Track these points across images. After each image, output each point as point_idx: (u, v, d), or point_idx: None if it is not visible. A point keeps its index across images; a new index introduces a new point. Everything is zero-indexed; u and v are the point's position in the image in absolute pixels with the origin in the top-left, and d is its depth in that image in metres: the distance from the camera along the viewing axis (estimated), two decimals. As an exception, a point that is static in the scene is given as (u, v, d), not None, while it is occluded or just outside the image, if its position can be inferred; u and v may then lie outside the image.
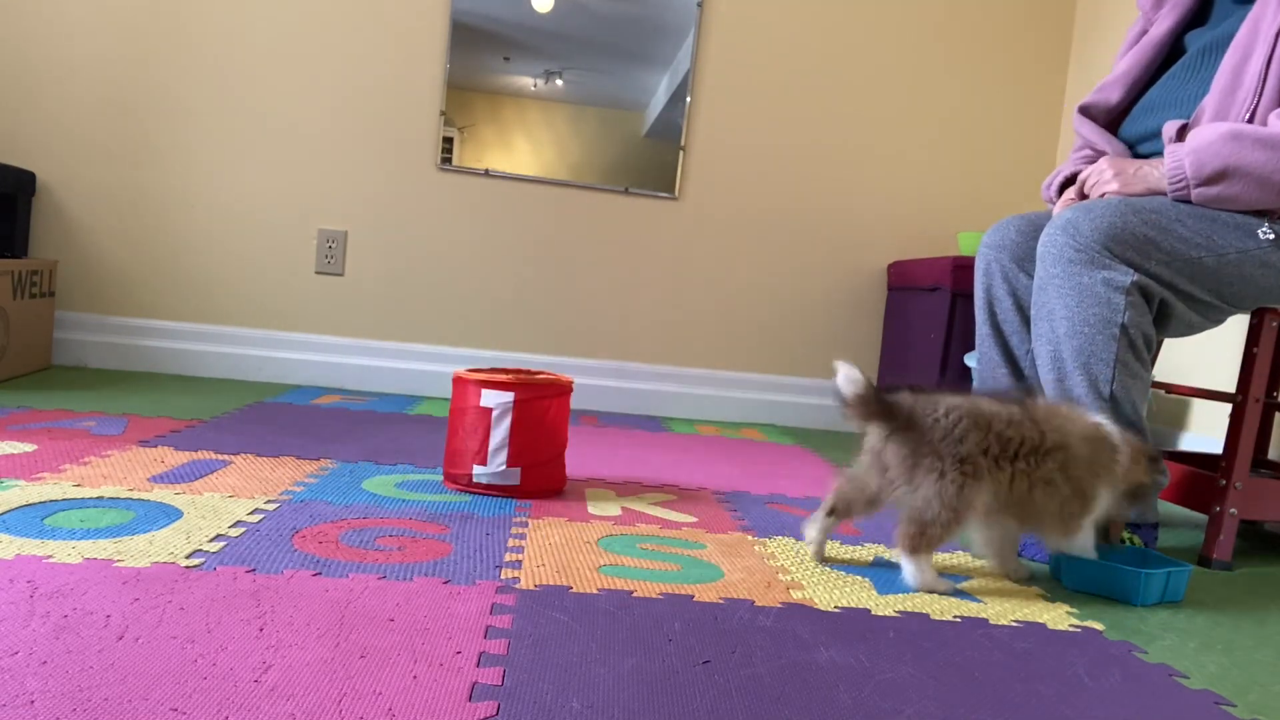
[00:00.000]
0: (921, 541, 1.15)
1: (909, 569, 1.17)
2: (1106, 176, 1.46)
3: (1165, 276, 1.33)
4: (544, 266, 2.58)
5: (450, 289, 2.55)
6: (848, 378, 1.14)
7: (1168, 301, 1.36)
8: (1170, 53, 1.61)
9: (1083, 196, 1.51)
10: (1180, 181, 1.35)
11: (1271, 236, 1.34)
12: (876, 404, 1.15)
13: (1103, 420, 1.24)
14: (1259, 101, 1.34)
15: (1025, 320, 1.58)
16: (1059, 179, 1.65)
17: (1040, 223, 1.56)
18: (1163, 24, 1.60)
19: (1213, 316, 1.43)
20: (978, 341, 1.65)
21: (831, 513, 1.24)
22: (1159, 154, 1.47)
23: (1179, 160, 1.35)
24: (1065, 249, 1.33)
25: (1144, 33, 1.65)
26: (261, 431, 1.77)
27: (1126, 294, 1.31)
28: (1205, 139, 1.33)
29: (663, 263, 2.62)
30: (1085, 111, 1.67)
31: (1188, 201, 1.36)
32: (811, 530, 1.26)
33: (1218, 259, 1.34)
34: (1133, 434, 1.34)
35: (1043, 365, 1.40)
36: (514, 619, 0.93)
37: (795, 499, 1.64)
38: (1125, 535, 1.38)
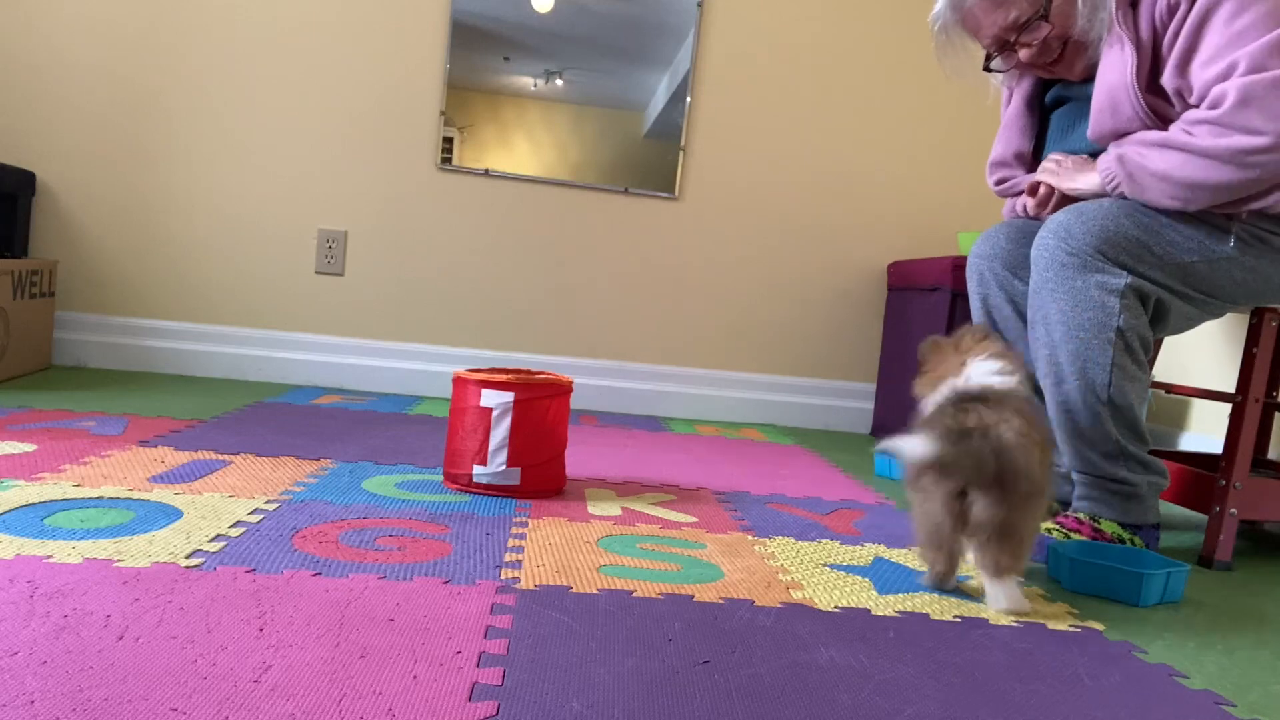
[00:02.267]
0: (1020, 564, 1.09)
1: (1007, 592, 1.09)
2: (1050, 167, 1.47)
3: (1159, 279, 1.33)
4: (544, 266, 2.58)
5: (450, 289, 2.55)
6: (921, 442, 1.05)
7: (1163, 301, 1.36)
8: (1045, 103, 1.61)
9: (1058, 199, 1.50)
10: (1114, 180, 1.36)
11: (1231, 244, 1.33)
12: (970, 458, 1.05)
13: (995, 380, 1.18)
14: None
15: (1026, 325, 1.58)
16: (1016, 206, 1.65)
17: (1029, 229, 1.56)
18: (1025, 83, 1.60)
19: (1211, 311, 1.42)
20: None
21: (945, 577, 1.16)
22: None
23: (1110, 161, 1.36)
24: (1057, 253, 1.33)
25: (1012, 95, 1.64)
26: (261, 431, 1.77)
27: (1121, 297, 1.31)
28: (1140, 143, 1.34)
29: (663, 263, 2.62)
30: (1000, 185, 1.67)
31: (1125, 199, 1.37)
32: (936, 585, 1.18)
33: (1209, 264, 1.33)
34: (1128, 434, 1.34)
35: (1040, 370, 1.40)
36: (514, 619, 0.93)
37: (795, 499, 1.64)
38: (1126, 536, 1.38)
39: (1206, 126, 1.27)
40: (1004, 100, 1.68)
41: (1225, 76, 1.26)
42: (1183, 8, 1.30)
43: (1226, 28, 1.27)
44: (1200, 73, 1.29)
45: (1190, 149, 1.28)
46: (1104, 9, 1.36)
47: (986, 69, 1.51)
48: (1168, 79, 1.32)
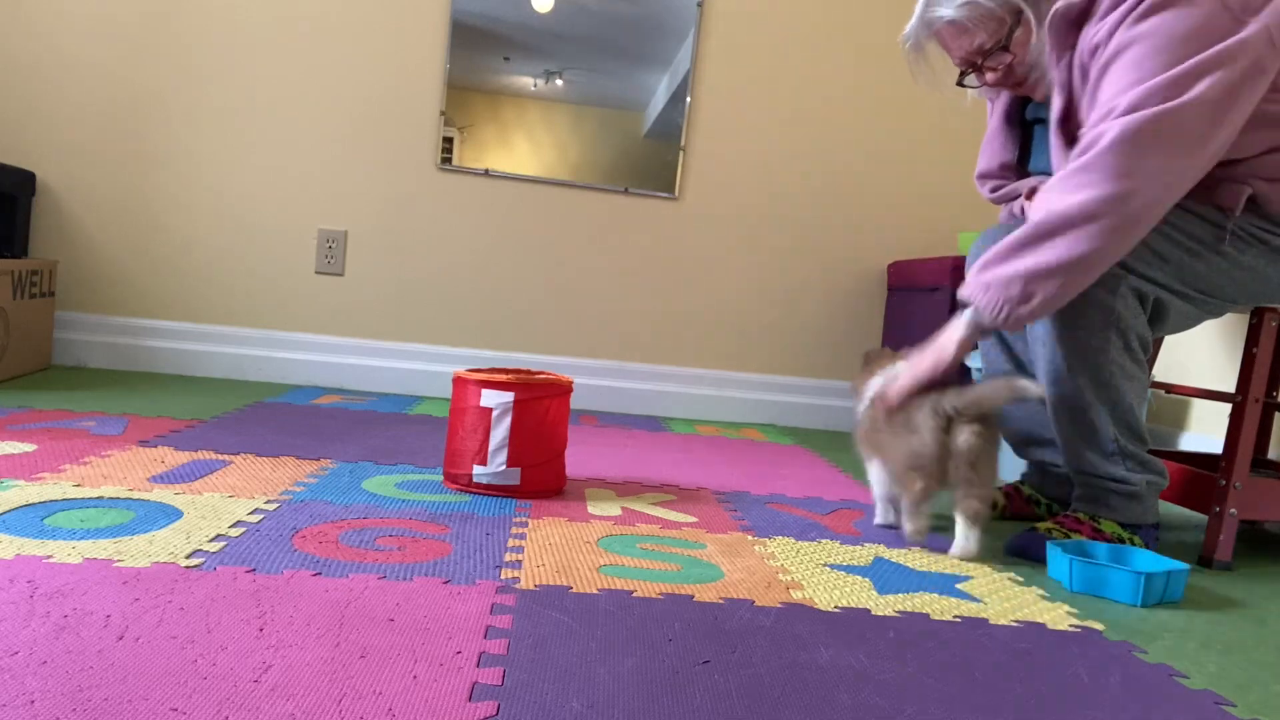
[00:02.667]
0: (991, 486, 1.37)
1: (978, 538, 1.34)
2: (902, 376, 1.39)
3: (1159, 278, 1.33)
4: (544, 266, 2.58)
5: (450, 289, 2.55)
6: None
7: (1163, 300, 1.35)
8: (1025, 117, 1.62)
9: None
10: (1002, 308, 1.26)
11: (1226, 242, 1.32)
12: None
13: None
14: None
15: None
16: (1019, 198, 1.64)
17: None
18: (1004, 98, 1.61)
19: (1210, 311, 1.42)
20: (982, 350, 1.65)
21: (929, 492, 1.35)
22: None
23: (988, 291, 1.27)
24: None
25: (993, 108, 1.66)
26: (261, 431, 1.77)
27: (1120, 297, 1.31)
28: (997, 258, 1.27)
29: (663, 263, 2.62)
30: (995, 192, 1.68)
31: (1017, 328, 1.30)
32: (915, 522, 1.37)
33: (1207, 263, 1.33)
34: (1127, 434, 1.34)
35: (1039, 369, 1.40)
36: (514, 619, 0.93)
37: (795, 499, 1.64)
38: (1126, 536, 1.38)
39: (1056, 188, 1.23)
40: (989, 112, 1.69)
41: (1105, 119, 1.21)
42: (1099, 51, 1.28)
43: (1125, 74, 1.23)
44: (1091, 119, 1.25)
45: (1061, 222, 1.21)
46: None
47: (959, 84, 1.52)
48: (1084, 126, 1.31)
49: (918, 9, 1.44)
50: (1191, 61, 1.19)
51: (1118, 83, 1.24)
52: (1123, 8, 1.26)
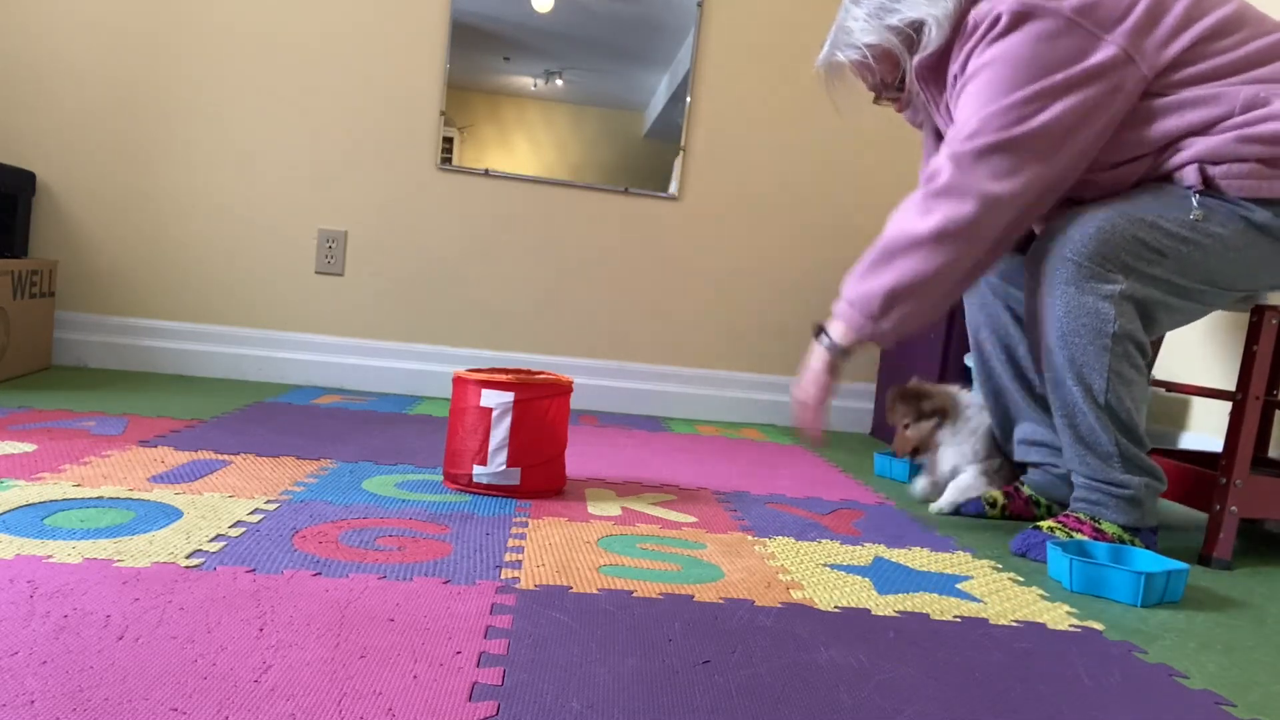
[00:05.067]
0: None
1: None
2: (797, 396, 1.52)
3: (1160, 274, 1.31)
4: (544, 266, 2.58)
5: (450, 289, 2.55)
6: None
7: (1155, 302, 1.33)
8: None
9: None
10: (864, 329, 1.38)
11: (1201, 214, 1.31)
12: None
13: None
14: None
15: (1022, 325, 1.59)
16: None
17: None
18: (928, 117, 1.63)
19: (1206, 301, 1.38)
20: (973, 350, 1.66)
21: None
22: None
23: (849, 314, 1.38)
24: (1053, 258, 1.32)
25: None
26: (261, 431, 1.77)
27: (1116, 303, 1.30)
28: (854, 277, 1.38)
29: (663, 263, 2.62)
30: None
31: (885, 343, 1.40)
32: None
33: (1203, 251, 1.31)
34: (1126, 439, 1.34)
35: (1044, 370, 1.40)
36: (514, 619, 0.93)
37: (795, 499, 1.64)
38: (1127, 537, 1.38)
39: (911, 210, 1.33)
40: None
41: (952, 143, 1.32)
42: (959, 80, 1.37)
43: (972, 99, 1.33)
44: (943, 144, 1.35)
45: (910, 242, 1.31)
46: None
47: (875, 103, 1.60)
48: None
49: (825, 46, 1.52)
50: (1035, 87, 1.28)
51: (966, 107, 1.34)
52: (975, 35, 1.35)
